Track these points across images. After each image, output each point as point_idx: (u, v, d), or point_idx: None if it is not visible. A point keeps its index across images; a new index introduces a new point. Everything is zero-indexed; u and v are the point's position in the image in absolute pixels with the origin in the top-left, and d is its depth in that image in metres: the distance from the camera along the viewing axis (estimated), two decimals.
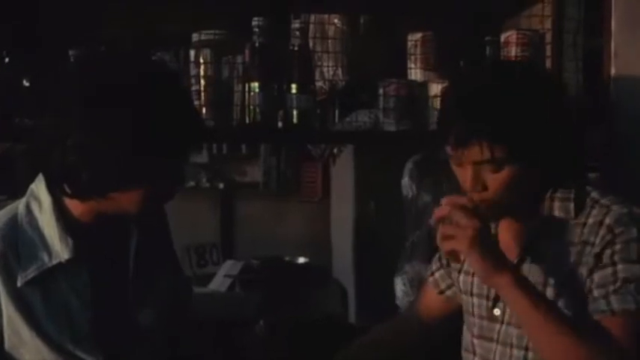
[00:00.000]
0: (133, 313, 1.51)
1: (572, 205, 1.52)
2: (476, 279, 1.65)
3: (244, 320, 2.78)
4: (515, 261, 1.54)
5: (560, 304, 1.49)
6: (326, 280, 3.68)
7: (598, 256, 1.45)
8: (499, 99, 1.43)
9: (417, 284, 2.54)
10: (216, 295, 3.45)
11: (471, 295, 1.66)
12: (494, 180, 1.46)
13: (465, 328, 1.72)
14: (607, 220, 1.47)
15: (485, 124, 1.42)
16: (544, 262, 1.52)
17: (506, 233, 1.59)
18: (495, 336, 1.59)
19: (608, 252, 1.45)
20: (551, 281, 1.51)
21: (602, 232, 1.46)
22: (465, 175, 1.48)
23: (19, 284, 1.40)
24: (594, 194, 1.54)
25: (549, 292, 1.50)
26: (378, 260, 3.02)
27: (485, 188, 1.47)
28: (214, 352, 2.38)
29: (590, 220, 1.49)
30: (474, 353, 1.65)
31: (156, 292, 1.54)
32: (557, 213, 1.53)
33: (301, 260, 3.77)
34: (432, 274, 1.84)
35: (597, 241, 1.46)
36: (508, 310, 1.56)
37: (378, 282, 2.90)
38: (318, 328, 2.77)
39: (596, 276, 1.45)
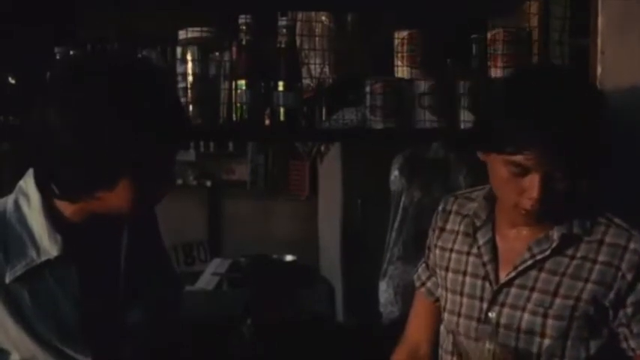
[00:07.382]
0: (123, 311, 1.50)
1: (589, 223, 1.54)
2: (468, 278, 1.64)
3: (232, 318, 2.78)
4: (522, 267, 1.55)
5: (568, 313, 1.51)
6: (313, 278, 3.68)
7: (631, 286, 1.49)
8: (574, 109, 1.42)
9: (403, 291, 2.50)
10: (204, 294, 3.44)
11: (461, 294, 1.65)
12: (556, 189, 1.45)
13: (442, 328, 1.71)
14: (632, 245, 1.50)
15: (567, 133, 1.40)
16: (556, 275, 1.53)
17: (521, 240, 1.58)
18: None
19: None
20: (563, 292, 1.52)
21: (629, 256, 1.50)
22: (528, 182, 1.45)
23: (7, 281, 1.39)
24: (602, 211, 1.56)
25: (558, 302, 1.52)
26: (365, 258, 3.02)
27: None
28: (201, 351, 2.37)
29: (608, 240, 1.52)
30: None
31: (146, 291, 1.53)
32: (575, 230, 1.54)
33: (289, 258, 3.77)
34: (424, 283, 1.82)
35: (624, 266, 1.49)
36: (505, 313, 1.56)
37: (365, 280, 2.90)
38: (305, 327, 2.77)
39: (632, 309, 1.50)
